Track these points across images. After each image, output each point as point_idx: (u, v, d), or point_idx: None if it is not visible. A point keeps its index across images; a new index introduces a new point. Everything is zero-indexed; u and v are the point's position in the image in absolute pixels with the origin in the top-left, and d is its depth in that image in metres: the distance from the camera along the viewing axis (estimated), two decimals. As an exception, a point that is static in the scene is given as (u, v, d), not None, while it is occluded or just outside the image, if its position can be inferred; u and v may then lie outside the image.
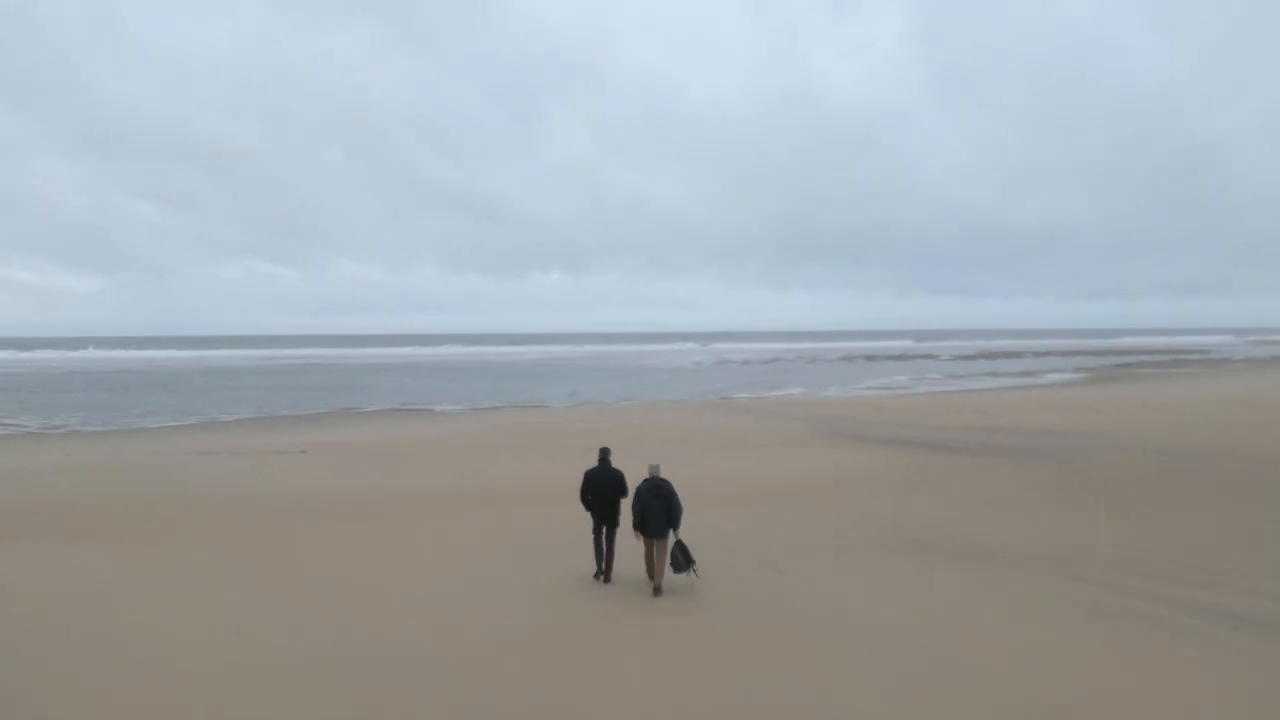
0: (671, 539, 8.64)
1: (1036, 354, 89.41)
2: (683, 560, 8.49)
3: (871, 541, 10.71)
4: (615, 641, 7.36)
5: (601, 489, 9.08)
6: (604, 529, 9.12)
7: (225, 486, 15.45)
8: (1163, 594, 8.37)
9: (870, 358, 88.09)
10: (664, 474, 8.97)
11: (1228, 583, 8.68)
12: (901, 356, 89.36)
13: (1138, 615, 7.78)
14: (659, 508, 8.54)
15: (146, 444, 23.11)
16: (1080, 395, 36.73)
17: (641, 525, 8.61)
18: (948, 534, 11.05)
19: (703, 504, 11.82)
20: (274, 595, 8.73)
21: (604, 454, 9.44)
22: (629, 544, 9.27)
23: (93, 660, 6.95)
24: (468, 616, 7.98)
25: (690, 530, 9.01)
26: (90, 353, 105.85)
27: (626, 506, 9.08)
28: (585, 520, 9.63)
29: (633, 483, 9.05)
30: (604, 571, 9.06)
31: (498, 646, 7.18)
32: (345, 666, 6.74)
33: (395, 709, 6.00)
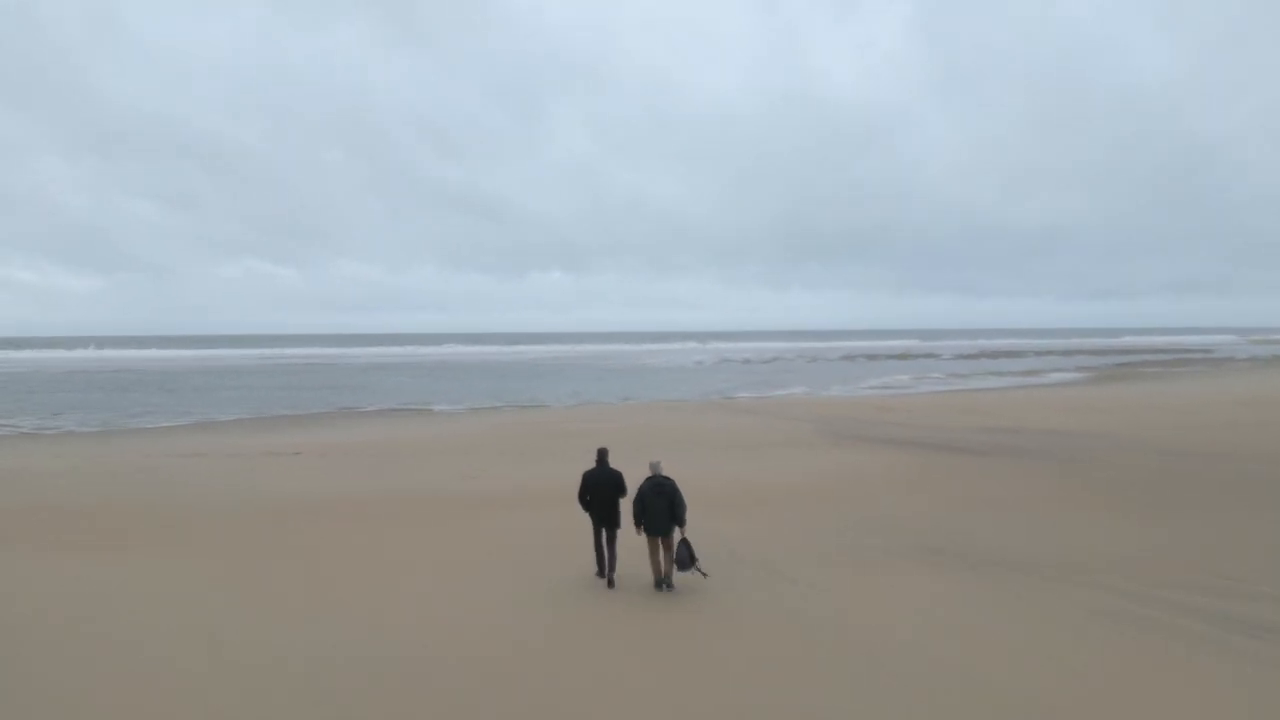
0: (677, 535, 8.62)
1: (1038, 353, 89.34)
2: (688, 558, 8.46)
3: (873, 543, 10.69)
4: (615, 641, 7.35)
5: (600, 489, 9.02)
6: (604, 531, 9.05)
7: (224, 487, 15.44)
8: (1164, 596, 8.34)
9: (871, 357, 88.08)
10: (665, 473, 8.94)
11: (1230, 585, 8.64)
12: (904, 356, 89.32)
13: (1139, 617, 7.75)
14: (662, 506, 8.50)
15: (146, 444, 23.11)
16: (1083, 395, 36.69)
17: (645, 525, 8.58)
18: (949, 535, 11.03)
19: (705, 506, 11.78)
20: (273, 595, 8.72)
21: (601, 455, 9.37)
22: (631, 545, 9.25)
23: (93, 660, 6.94)
24: (467, 616, 7.97)
25: (692, 532, 8.98)
26: (89, 352, 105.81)
27: (627, 508, 9.03)
28: (585, 521, 9.61)
29: (634, 483, 9.01)
30: (606, 576, 8.96)
31: (498, 647, 7.17)
32: (345, 666, 6.72)
33: (395, 709, 5.98)
